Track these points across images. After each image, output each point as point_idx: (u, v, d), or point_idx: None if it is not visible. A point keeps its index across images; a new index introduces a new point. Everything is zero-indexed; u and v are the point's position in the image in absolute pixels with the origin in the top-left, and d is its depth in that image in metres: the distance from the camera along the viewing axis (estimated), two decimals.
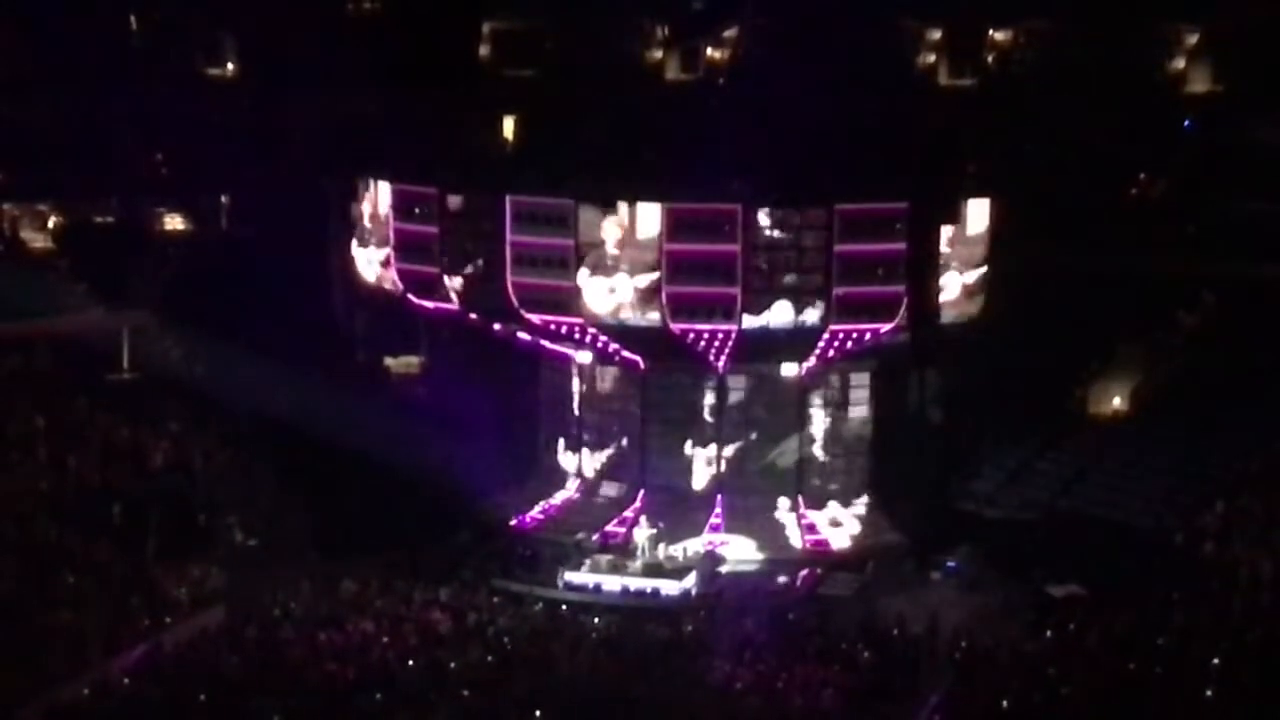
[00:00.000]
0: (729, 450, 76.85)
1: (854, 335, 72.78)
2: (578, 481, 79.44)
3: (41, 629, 59.05)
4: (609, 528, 75.71)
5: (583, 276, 71.77)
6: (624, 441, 78.22)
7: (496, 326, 76.98)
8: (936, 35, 77.82)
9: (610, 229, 71.52)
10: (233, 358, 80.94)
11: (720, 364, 74.48)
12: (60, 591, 62.27)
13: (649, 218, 71.18)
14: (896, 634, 63.89)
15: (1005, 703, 56.62)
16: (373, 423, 77.90)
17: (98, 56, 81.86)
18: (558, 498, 79.00)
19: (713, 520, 75.55)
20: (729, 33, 77.39)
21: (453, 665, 59.81)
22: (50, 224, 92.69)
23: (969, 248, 73.18)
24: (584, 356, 77.55)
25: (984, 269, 73.38)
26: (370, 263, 78.18)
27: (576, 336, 74.63)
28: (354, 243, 79.32)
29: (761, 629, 63.38)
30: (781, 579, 71.86)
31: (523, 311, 73.30)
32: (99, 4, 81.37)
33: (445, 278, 74.11)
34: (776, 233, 71.08)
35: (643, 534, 74.67)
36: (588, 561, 72.36)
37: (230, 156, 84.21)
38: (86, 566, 64.74)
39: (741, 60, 76.85)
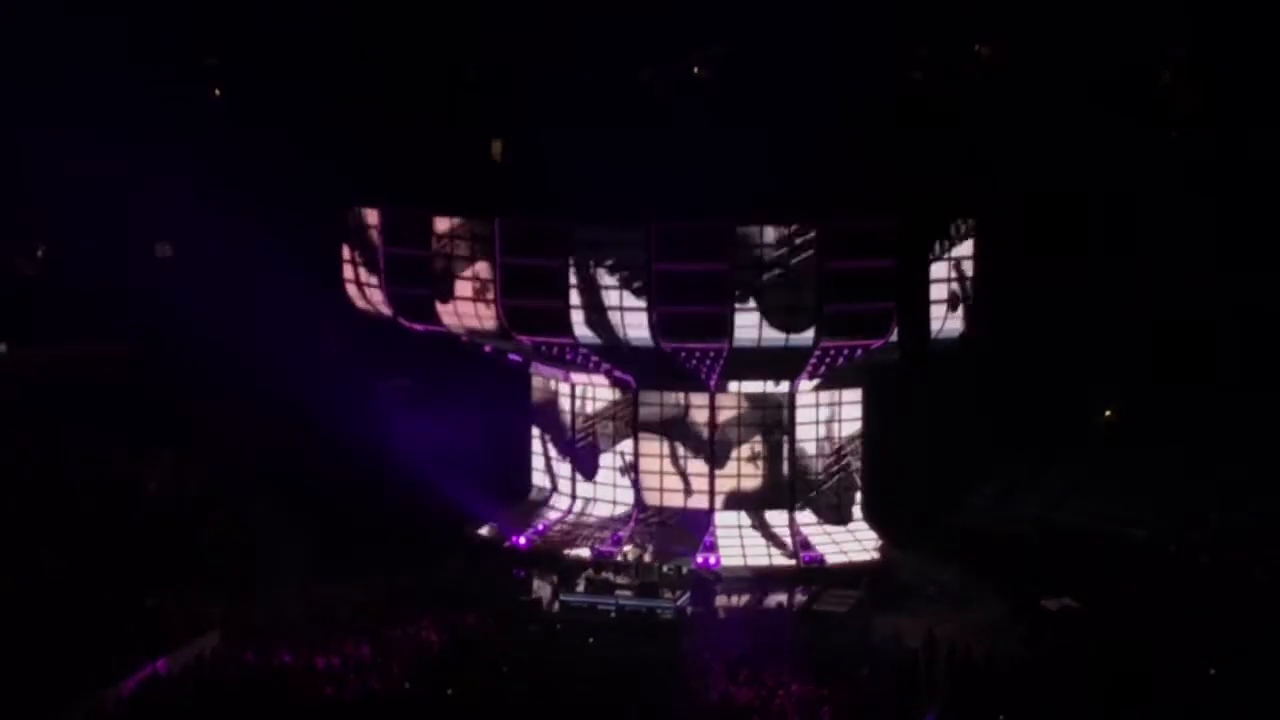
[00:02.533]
0: (722, 467, 76.93)
1: (844, 351, 72.83)
2: (570, 501, 79.50)
3: (38, 657, 58.92)
4: (602, 547, 75.75)
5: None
6: (616, 460, 78.29)
7: (487, 348, 77.07)
8: (924, 51, 78.01)
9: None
10: (224, 385, 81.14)
11: (712, 381, 74.57)
12: (56, 619, 62.16)
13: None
14: (892, 649, 63.95)
15: (1002, 716, 56.66)
16: (366, 447, 78.10)
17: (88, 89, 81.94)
18: (551, 518, 79.05)
19: (706, 538, 75.60)
20: (717, 52, 77.53)
21: (449, 689, 59.75)
22: (39, 253, 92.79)
23: (958, 263, 73.39)
24: (576, 375, 77.68)
25: (973, 284, 73.51)
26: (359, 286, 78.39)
27: (568, 356, 74.66)
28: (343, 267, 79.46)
29: (757, 646, 63.36)
30: (776, 596, 71.84)
31: (514, 332, 73.31)
32: (86, 33, 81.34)
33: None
34: (767, 250, 71.15)
35: (636, 552, 74.85)
36: (582, 581, 72.45)
37: (215, 183, 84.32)
38: (82, 594, 64.66)
39: (730, 79, 76.95)
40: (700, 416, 76.47)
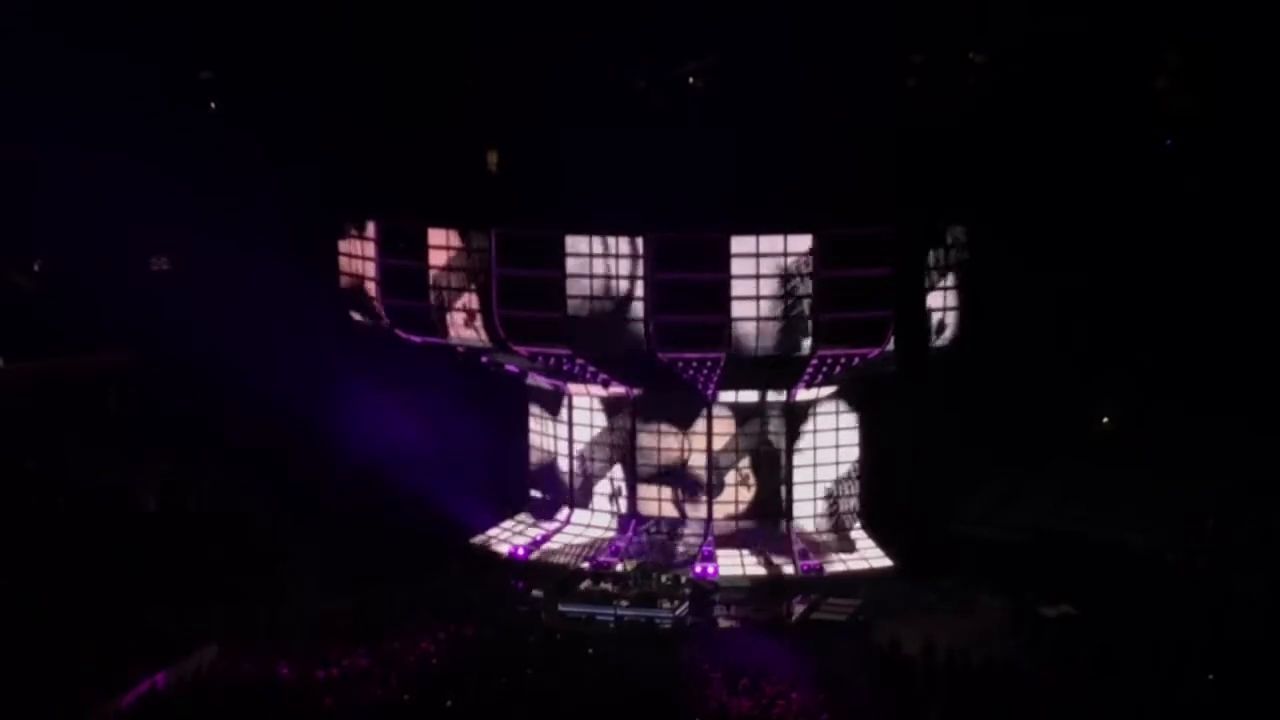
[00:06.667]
0: (720, 477, 76.89)
1: (842, 360, 72.89)
2: (569, 512, 79.46)
3: (36, 671, 58.88)
4: (601, 557, 75.74)
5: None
6: (614, 470, 78.28)
7: (484, 359, 77.08)
8: (918, 59, 78.02)
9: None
10: (222, 397, 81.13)
11: (710, 391, 74.57)
12: (54, 633, 62.12)
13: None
14: (892, 657, 63.89)
15: None
16: (364, 457, 78.05)
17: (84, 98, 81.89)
18: (549, 528, 79.02)
19: (705, 547, 75.57)
20: (713, 61, 77.54)
21: (448, 700, 59.71)
22: (35, 266, 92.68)
23: (952, 270, 73.49)
24: (573, 386, 77.70)
25: (970, 291, 73.56)
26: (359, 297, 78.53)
27: (565, 367, 74.67)
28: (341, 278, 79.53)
29: (756, 656, 63.31)
30: (775, 605, 71.78)
31: (511, 343, 73.35)
32: (82, 47, 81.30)
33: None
34: (762, 260, 71.15)
35: (634, 562, 74.81)
36: (581, 591, 72.40)
37: (211, 195, 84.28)
38: (80, 608, 64.60)
39: (725, 88, 76.97)
40: (698, 426, 76.49)
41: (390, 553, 74.23)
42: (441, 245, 74.26)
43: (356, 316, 78.80)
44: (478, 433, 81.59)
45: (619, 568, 74.66)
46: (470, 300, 73.66)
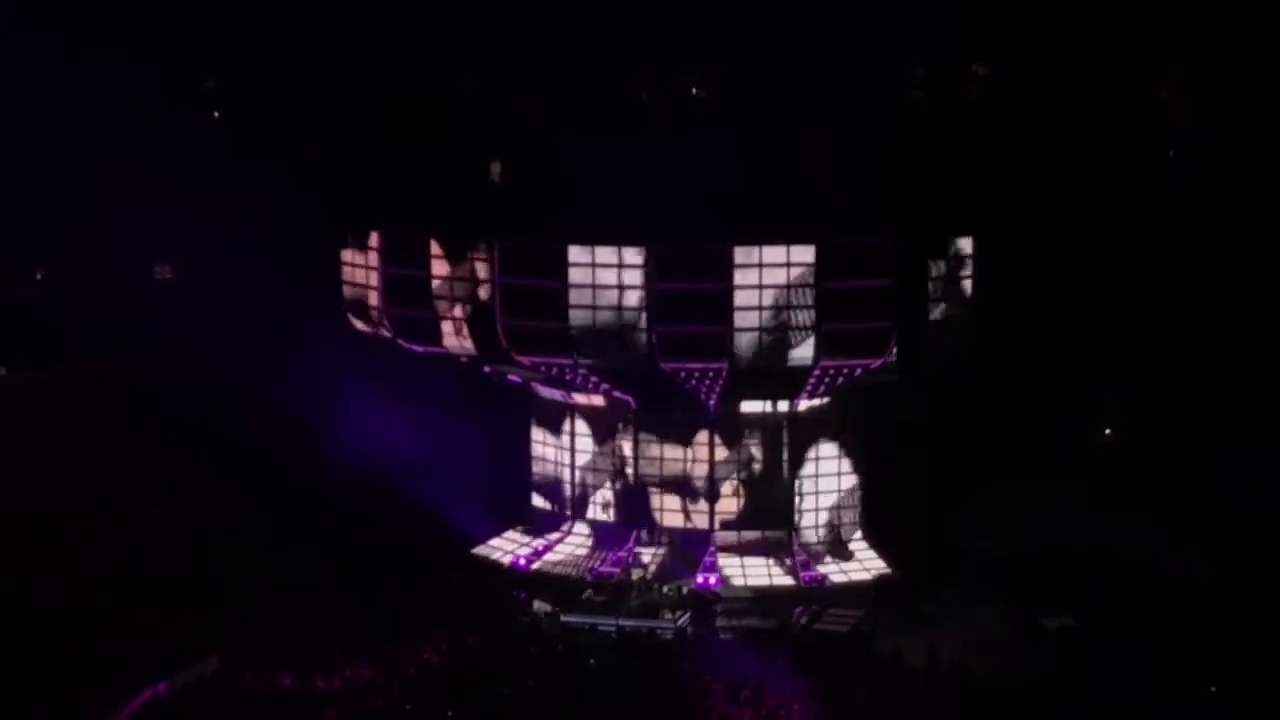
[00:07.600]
0: (722, 488, 76.85)
1: (844, 370, 72.83)
2: (571, 522, 79.39)
3: (38, 680, 58.87)
4: (603, 567, 75.67)
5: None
6: (617, 481, 78.20)
7: (486, 368, 77.04)
8: (921, 70, 78.16)
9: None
10: (225, 406, 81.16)
11: (712, 402, 74.52)
12: (56, 642, 62.12)
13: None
14: (894, 668, 63.87)
15: None
16: (366, 465, 78.09)
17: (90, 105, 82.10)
18: (551, 538, 78.95)
19: (707, 558, 75.51)
20: (716, 71, 77.61)
21: (450, 710, 59.70)
22: (37, 276, 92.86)
23: (957, 281, 73.52)
24: (576, 396, 77.66)
25: (972, 302, 73.57)
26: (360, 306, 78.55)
27: (568, 377, 74.62)
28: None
29: (757, 667, 63.30)
30: (777, 616, 71.73)
31: (513, 352, 73.31)
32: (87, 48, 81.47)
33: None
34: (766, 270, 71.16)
35: (637, 573, 74.74)
36: (582, 601, 72.34)
37: (214, 205, 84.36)
38: (82, 616, 64.63)
39: (727, 98, 77.06)
40: (700, 437, 76.44)
41: (392, 561, 74.21)
42: (443, 255, 74.22)
43: (358, 325, 78.71)
44: (479, 441, 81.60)
45: (634, 576, 74.56)
46: (460, 310, 73.74)
